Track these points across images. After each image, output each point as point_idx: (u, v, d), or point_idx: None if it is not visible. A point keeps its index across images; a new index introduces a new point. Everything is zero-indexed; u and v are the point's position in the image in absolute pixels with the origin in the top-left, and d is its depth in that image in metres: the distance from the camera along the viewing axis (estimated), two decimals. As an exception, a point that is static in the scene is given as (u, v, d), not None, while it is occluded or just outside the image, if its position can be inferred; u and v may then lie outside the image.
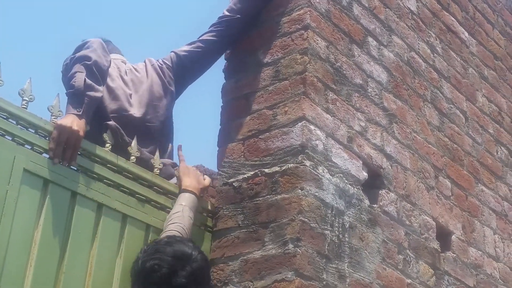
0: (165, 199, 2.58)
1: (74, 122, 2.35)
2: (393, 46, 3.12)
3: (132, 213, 2.45)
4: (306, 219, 2.41)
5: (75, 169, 2.35)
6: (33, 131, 2.27)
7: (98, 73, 2.60)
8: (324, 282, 2.41)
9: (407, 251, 2.83)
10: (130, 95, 2.83)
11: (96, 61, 2.62)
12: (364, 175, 2.75)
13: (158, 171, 2.60)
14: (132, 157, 2.53)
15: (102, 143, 2.48)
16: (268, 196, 2.51)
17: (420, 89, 3.22)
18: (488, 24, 3.96)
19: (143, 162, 2.60)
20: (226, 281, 2.48)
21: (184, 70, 2.97)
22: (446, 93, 3.39)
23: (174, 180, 2.69)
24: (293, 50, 2.68)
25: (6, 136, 2.20)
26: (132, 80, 2.89)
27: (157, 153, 2.65)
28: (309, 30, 2.67)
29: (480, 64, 3.77)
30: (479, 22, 3.87)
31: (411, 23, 3.29)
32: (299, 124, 2.54)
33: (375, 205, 2.76)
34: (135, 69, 2.96)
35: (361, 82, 2.87)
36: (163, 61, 2.99)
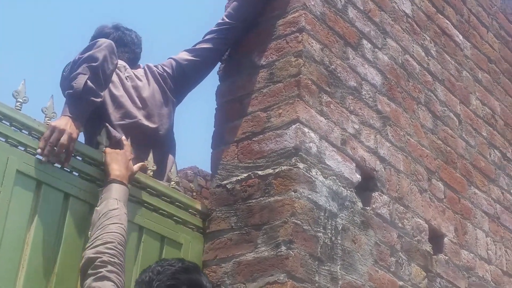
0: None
1: (68, 124, 2.33)
2: (387, 49, 3.13)
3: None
4: (299, 222, 2.42)
5: (68, 170, 2.34)
6: (27, 132, 2.26)
7: (102, 76, 2.53)
8: (317, 285, 2.41)
9: (400, 253, 2.84)
10: (134, 102, 2.81)
11: (103, 64, 2.54)
12: (357, 177, 2.75)
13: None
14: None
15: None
16: (261, 198, 2.51)
17: (414, 92, 3.23)
18: (482, 27, 3.97)
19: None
20: (219, 283, 2.49)
21: (184, 79, 2.95)
22: (440, 96, 3.40)
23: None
24: (287, 52, 2.68)
25: (-1, 138, 2.19)
26: (134, 87, 2.86)
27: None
28: (304, 33, 2.68)
29: (474, 67, 3.78)
30: (474, 25, 3.88)
31: (406, 26, 3.30)
32: (293, 126, 2.54)
33: (368, 208, 2.76)
34: (136, 76, 2.92)
35: (355, 84, 2.87)
36: (163, 68, 2.95)
